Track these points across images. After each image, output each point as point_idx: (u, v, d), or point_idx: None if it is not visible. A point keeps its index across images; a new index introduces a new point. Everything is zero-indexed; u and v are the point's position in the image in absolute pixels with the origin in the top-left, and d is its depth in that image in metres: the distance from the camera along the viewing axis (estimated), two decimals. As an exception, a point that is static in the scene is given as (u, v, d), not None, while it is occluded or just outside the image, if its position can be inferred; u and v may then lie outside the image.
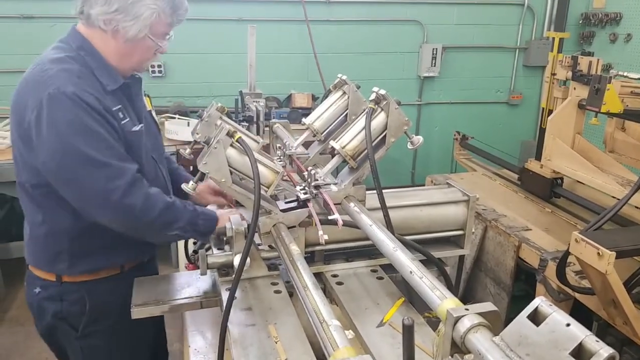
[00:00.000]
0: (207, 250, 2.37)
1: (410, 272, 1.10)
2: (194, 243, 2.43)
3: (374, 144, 1.45)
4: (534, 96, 5.78)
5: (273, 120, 2.45)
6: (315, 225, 1.37)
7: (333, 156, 1.57)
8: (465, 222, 1.80)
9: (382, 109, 1.46)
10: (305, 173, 1.52)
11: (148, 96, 1.92)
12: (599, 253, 2.25)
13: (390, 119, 1.45)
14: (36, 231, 1.67)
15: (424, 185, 4.62)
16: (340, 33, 5.13)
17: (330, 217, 1.35)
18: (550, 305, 0.84)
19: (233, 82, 4.88)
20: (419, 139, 1.52)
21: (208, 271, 1.61)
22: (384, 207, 1.44)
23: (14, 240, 3.93)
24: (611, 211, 2.46)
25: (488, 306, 0.94)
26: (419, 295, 1.08)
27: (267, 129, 2.51)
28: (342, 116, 1.77)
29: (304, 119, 1.79)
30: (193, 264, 2.27)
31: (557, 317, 0.82)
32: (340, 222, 1.34)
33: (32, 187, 1.61)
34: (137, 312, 1.54)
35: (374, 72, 5.23)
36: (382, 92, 1.45)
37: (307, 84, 5.02)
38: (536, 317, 0.85)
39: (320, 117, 1.75)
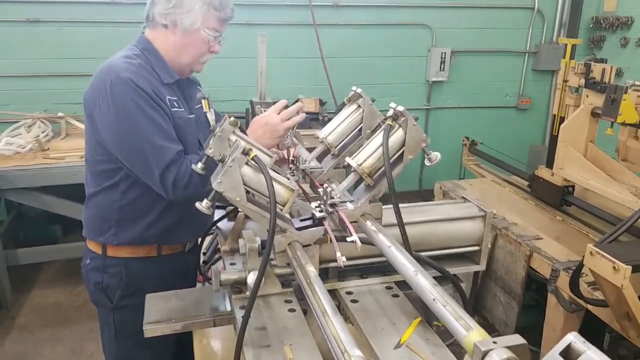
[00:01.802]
0: (216, 261, 2.36)
1: (434, 300, 1.07)
2: (204, 253, 2.41)
3: (391, 161, 1.42)
4: (543, 101, 5.75)
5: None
6: (332, 243, 1.34)
7: (346, 167, 1.55)
8: (482, 238, 1.77)
9: (399, 126, 1.43)
10: (321, 190, 1.49)
11: (207, 99, 2.09)
12: (614, 267, 2.21)
13: (408, 136, 1.43)
14: (92, 201, 1.92)
15: (432, 190, 4.59)
16: (349, 37, 5.11)
17: (348, 239, 1.33)
18: (584, 342, 0.81)
19: (241, 87, 4.87)
20: (436, 156, 1.49)
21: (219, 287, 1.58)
22: (401, 226, 1.41)
23: (22, 246, 3.92)
24: (627, 223, 2.43)
25: (516, 339, 0.91)
26: (443, 323, 1.05)
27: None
28: (356, 130, 1.74)
29: (317, 132, 1.76)
30: (203, 275, 2.25)
31: (591, 355, 0.79)
32: (359, 244, 1.31)
33: (92, 161, 1.88)
34: (150, 331, 1.52)
35: (382, 77, 5.21)
36: (400, 108, 1.42)
37: (315, 88, 5.00)
38: (569, 354, 0.82)
39: (334, 130, 1.72)
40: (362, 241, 1.42)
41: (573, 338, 0.83)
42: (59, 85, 4.45)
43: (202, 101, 2.07)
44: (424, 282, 1.13)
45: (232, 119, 1.68)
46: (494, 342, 0.90)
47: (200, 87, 2.13)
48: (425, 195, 5.43)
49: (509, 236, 3.43)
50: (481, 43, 5.41)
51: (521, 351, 0.89)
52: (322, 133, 1.73)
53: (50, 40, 4.44)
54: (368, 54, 5.18)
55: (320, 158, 1.84)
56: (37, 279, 4.09)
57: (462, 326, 0.99)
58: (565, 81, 3.56)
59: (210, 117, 2.10)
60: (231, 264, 1.84)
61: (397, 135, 1.44)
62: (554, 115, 3.77)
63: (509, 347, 0.88)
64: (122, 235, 1.89)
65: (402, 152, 1.46)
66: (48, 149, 3.74)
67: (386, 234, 1.40)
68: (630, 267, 2.17)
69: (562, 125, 3.33)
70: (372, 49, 5.17)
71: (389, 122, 1.42)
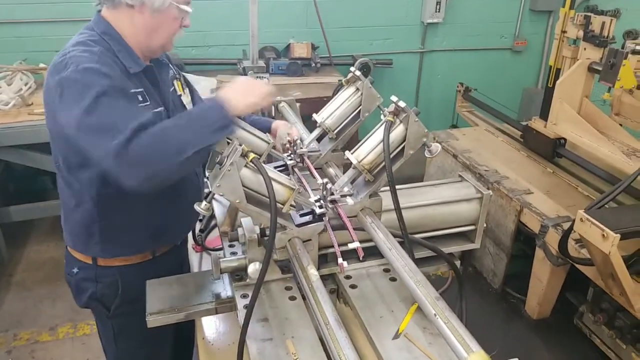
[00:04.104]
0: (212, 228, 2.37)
1: (435, 315, 1.09)
2: (200, 220, 2.41)
3: (391, 156, 1.40)
4: (539, 42, 5.61)
5: (278, 98, 2.36)
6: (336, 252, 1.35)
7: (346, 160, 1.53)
8: (478, 218, 1.79)
9: (400, 121, 1.40)
10: (320, 182, 1.47)
11: (180, 80, 1.89)
12: (603, 235, 2.27)
13: (409, 132, 1.40)
14: (71, 215, 1.75)
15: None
16: (341, -24, 4.86)
17: (350, 246, 1.34)
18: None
19: (229, 31, 4.67)
20: (437, 148, 1.47)
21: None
22: (400, 220, 1.42)
23: (12, 199, 3.89)
24: (616, 190, 2.47)
25: (515, 364, 0.95)
26: (443, 339, 1.08)
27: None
28: (354, 113, 1.71)
29: (314, 115, 1.72)
30: (200, 245, 2.27)
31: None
32: (361, 253, 1.32)
33: (64, 166, 1.67)
34: (153, 321, 1.54)
35: (376, 18, 5.01)
36: (402, 104, 1.38)
37: (307, 32, 4.81)
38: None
39: (332, 114, 1.68)
40: (356, 228, 1.43)
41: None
42: (37, 32, 4.22)
43: (175, 83, 1.89)
44: (425, 294, 1.15)
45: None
46: (495, 369, 0.94)
47: (172, 66, 1.92)
48: (416, 140, 5.40)
49: (500, 190, 3.48)
50: (478, -19, 5.19)
51: (520, 377, 0.93)
52: (320, 117, 1.69)
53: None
54: (361, -5, 4.96)
55: (318, 140, 1.81)
56: (31, 234, 4.09)
57: (462, 346, 1.02)
58: (564, 32, 3.48)
59: (186, 99, 1.93)
60: (230, 245, 1.85)
61: (397, 131, 1.41)
62: (550, 66, 3.71)
63: (509, 375, 0.92)
64: (110, 250, 1.77)
65: (403, 147, 1.43)
66: (32, 103, 3.62)
67: (386, 232, 1.40)
68: (619, 236, 2.23)
69: (558, 82, 3.28)
70: (365, -11, 4.94)
71: (389, 117, 1.39)
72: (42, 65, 3.93)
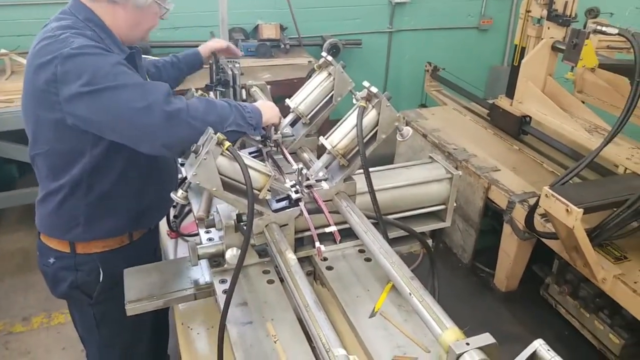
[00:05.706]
0: (187, 214, 2.37)
1: (410, 294, 1.14)
2: (174, 206, 2.41)
3: (364, 140, 1.43)
4: (504, 21, 5.70)
5: (250, 82, 2.35)
6: (312, 235, 1.38)
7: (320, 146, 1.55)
8: (448, 198, 1.84)
9: (373, 107, 1.43)
10: (295, 167, 1.50)
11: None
12: (567, 209, 2.37)
13: (381, 117, 1.43)
14: (53, 198, 1.71)
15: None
16: (308, -44, 4.81)
17: (327, 230, 1.37)
18: (549, 350, 0.90)
19: (197, 12, 4.58)
20: (408, 131, 1.50)
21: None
22: (375, 203, 1.46)
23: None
24: (579, 166, 2.57)
25: (487, 338, 0.99)
26: (419, 317, 1.12)
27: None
28: (327, 97, 1.72)
29: (287, 101, 1.73)
30: (175, 231, 2.27)
31: (556, 363, 0.88)
32: (338, 237, 1.35)
33: (52, 154, 1.64)
34: (132, 309, 1.54)
35: (345, -2, 5.00)
36: (374, 89, 1.40)
37: (275, 12, 4.76)
38: (535, 361, 0.91)
39: (305, 100, 1.70)
40: (332, 211, 1.46)
41: (539, 346, 0.92)
42: (-5, 15, 4.08)
43: None
44: (401, 274, 1.19)
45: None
46: (467, 344, 0.99)
47: None
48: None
49: (469, 168, 3.56)
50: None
51: (492, 350, 0.98)
52: (292, 102, 1.70)
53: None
54: (329, -26, 4.92)
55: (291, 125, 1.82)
56: (-1, 224, 4.01)
57: (437, 323, 1.06)
58: (528, 11, 3.55)
59: None
60: (206, 231, 1.86)
61: (370, 116, 1.44)
62: (516, 45, 3.78)
63: (482, 348, 0.97)
64: (93, 231, 1.75)
65: (376, 132, 1.46)
66: (-7, 90, 3.50)
67: (361, 214, 1.44)
68: (582, 210, 2.33)
69: (523, 61, 3.36)
70: (332, -32, 4.91)
71: (362, 103, 1.41)
72: (2, 50, 3.78)
